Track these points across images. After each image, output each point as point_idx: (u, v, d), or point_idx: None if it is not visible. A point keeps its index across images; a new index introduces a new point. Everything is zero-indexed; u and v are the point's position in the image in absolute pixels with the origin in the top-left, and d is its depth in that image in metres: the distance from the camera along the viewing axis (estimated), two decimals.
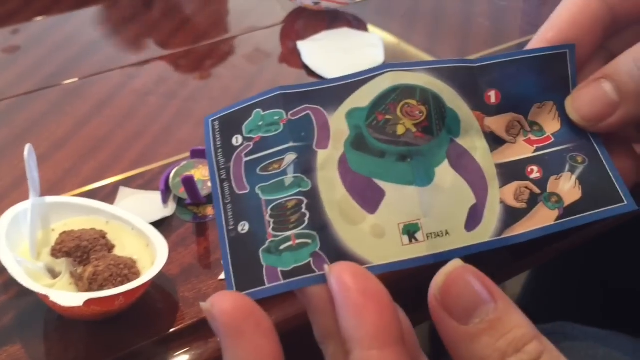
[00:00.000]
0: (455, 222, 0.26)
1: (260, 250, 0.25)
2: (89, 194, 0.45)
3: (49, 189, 0.46)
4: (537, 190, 0.27)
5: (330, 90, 0.27)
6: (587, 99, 0.28)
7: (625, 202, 0.27)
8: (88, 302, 0.33)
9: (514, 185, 0.27)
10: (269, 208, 0.25)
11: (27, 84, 0.60)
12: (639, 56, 0.27)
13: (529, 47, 0.30)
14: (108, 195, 0.46)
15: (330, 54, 0.61)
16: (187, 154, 0.48)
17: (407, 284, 0.33)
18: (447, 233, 0.25)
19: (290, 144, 0.26)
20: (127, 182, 0.47)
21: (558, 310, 0.71)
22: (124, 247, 0.38)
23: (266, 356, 0.22)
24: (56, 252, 0.36)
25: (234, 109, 0.27)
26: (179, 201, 0.44)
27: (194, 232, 0.43)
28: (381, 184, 0.26)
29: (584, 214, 0.27)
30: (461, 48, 0.65)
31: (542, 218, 0.26)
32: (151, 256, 0.37)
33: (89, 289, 0.34)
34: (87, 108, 0.56)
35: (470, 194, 0.26)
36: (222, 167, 0.27)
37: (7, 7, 0.73)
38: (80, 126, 0.54)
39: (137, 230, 0.39)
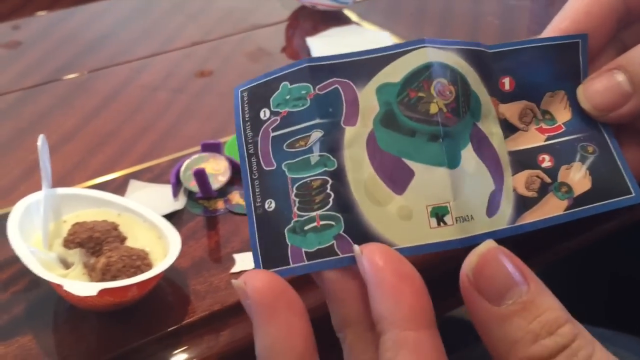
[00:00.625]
0: (479, 207, 0.25)
1: (286, 229, 0.25)
2: (98, 187, 0.45)
3: (57, 181, 0.46)
4: (547, 180, 0.27)
5: (360, 63, 0.26)
6: (599, 88, 0.28)
7: (633, 194, 0.27)
8: (101, 292, 0.32)
9: (525, 174, 0.27)
10: (295, 187, 0.25)
11: (33, 78, 0.59)
12: None
13: (543, 35, 0.30)
14: (117, 188, 0.45)
15: (340, 50, 0.60)
16: (196, 149, 0.48)
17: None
18: (472, 218, 0.25)
19: (317, 121, 0.25)
20: (136, 176, 0.47)
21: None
22: (136, 239, 0.38)
23: (298, 335, 0.22)
24: (69, 243, 0.36)
25: (262, 80, 0.27)
26: (190, 194, 0.44)
27: (204, 226, 0.42)
28: (410, 164, 0.25)
29: (593, 205, 0.27)
30: None
31: (552, 208, 0.26)
32: (163, 248, 0.37)
33: (102, 280, 0.34)
34: (95, 102, 0.56)
35: (490, 179, 0.26)
36: (250, 141, 0.26)
37: (9, 2, 0.73)
38: (88, 120, 0.54)
39: (149, 222, 0.38)
